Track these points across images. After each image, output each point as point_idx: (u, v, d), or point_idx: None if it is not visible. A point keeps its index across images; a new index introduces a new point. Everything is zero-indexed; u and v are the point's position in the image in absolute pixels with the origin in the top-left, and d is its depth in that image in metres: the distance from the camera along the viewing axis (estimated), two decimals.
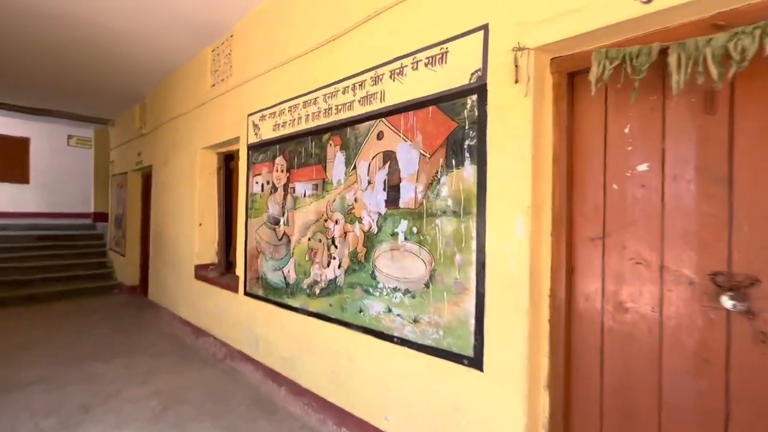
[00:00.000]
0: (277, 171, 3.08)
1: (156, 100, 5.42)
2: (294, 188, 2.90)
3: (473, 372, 1.78)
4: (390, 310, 2.17)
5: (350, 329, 2.40)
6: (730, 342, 1.33)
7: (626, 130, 1.56)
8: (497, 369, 1.70)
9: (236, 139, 3.73)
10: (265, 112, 3.21)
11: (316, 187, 2.71)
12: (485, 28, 1.77)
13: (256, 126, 3.34)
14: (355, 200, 2.40)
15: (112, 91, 5.75)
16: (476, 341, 1.77)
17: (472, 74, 1.81)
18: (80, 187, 9.66)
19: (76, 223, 8.47)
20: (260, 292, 3.23)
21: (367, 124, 2.34)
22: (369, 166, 2.32)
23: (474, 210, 1.80)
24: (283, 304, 2.96)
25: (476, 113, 1.80)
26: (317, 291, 2.66)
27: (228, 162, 4.16)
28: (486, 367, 1.74)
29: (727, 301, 1.30)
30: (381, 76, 2.25)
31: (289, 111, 2.95)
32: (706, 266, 1.38)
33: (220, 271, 4.04)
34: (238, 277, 3.53)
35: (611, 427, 1.58)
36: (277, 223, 3.06)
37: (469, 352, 1.80)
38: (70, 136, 9.73)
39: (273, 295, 3.09)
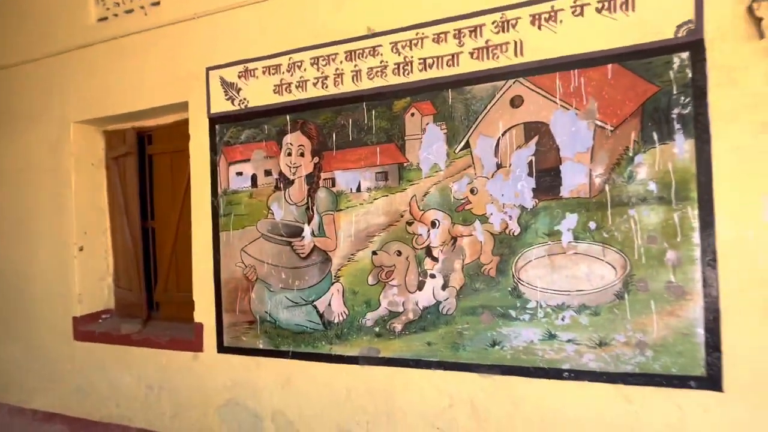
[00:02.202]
0: (289, 155, 2.03)
1: None
2: (333, 180, 1.95)
3: (706, 395, 1.44)
4: (553, 336, 1.61)
5: (474, 372, 1.72)
6: None
7: None
8: (743, 385, 1.40)
9: (172, 108, 2.35)
10: (254, 65, 2.08)
11: (383, 176, 1.86)
12: None
13: (230, 86, 2.14)
14: (472, 191, 1.72)
15: None
16: (710, 355, 1.43)
17: (680, 27, 1.46)
18: None
19: None
20: (261, 343, 2.08)
21: (488, 86, 1.70)
22: (497, 143, 1.69)
23: (694, 194, 1.45)
24: (321, 354, 1.96)
25: (690, 75, 1.45)
26: (398, 327, 1.83)
27: (143, 144, 2.61)
28: (727, 385, 1.42)
29: None
30: (514, 21, 1.65)
31: (312, 65, 1.97)
32: None
33: (142, 319, 2.50)
34: (199, 325, 2.21)
35: None
36: (296, 233, 2.01)
37: (699, 371, 1.44)
38: None
39: (292, 344, 2.02)
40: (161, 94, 2.31)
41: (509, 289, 1.67)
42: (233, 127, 2.14)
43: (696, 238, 1.45)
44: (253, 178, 2.11)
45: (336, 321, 1.94)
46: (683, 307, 1.46)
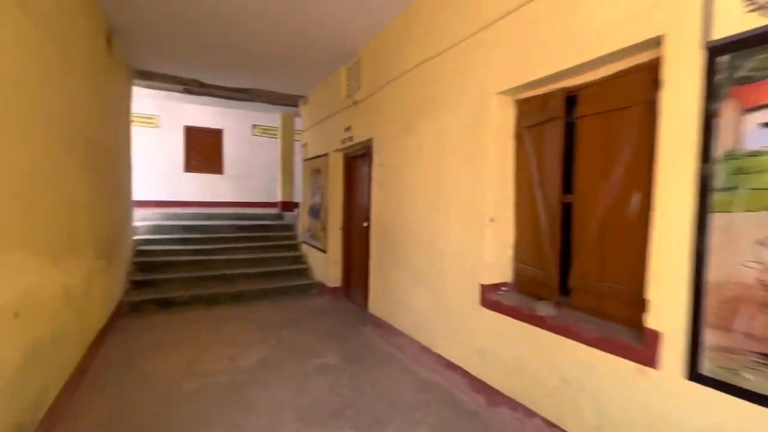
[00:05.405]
0: None
1: (378, 52, 4.04)
2: None
3: None
4: None
5: None
6: None
7: None
8: None
9: (613, 56, 1.87)
10: None
11: None
12: None
13: None
14: None
15: (312, 56, 4.64)
16: None
17: None
18: (265, 176, 9.61)
19: (266, 212, 8.19)
20: None
21: None
22: None
23: None
24: None
25: None
26: None
27: (569, 110, 2.33)
28: None
29: None
30: None
31: None
32: None
33: (554, 300, 2.30)
34: (654, 333, 1.68)
35: None
36: None
37: None
38: (254, 126, 9.73)
39: None
40: (617, 36, 1.86)
41: None
42: (761, 53, 1.39)
43: None
44: None
45: None
46: None
